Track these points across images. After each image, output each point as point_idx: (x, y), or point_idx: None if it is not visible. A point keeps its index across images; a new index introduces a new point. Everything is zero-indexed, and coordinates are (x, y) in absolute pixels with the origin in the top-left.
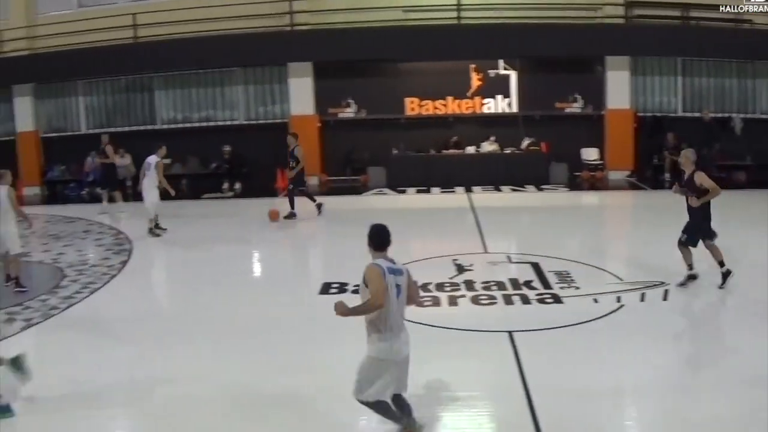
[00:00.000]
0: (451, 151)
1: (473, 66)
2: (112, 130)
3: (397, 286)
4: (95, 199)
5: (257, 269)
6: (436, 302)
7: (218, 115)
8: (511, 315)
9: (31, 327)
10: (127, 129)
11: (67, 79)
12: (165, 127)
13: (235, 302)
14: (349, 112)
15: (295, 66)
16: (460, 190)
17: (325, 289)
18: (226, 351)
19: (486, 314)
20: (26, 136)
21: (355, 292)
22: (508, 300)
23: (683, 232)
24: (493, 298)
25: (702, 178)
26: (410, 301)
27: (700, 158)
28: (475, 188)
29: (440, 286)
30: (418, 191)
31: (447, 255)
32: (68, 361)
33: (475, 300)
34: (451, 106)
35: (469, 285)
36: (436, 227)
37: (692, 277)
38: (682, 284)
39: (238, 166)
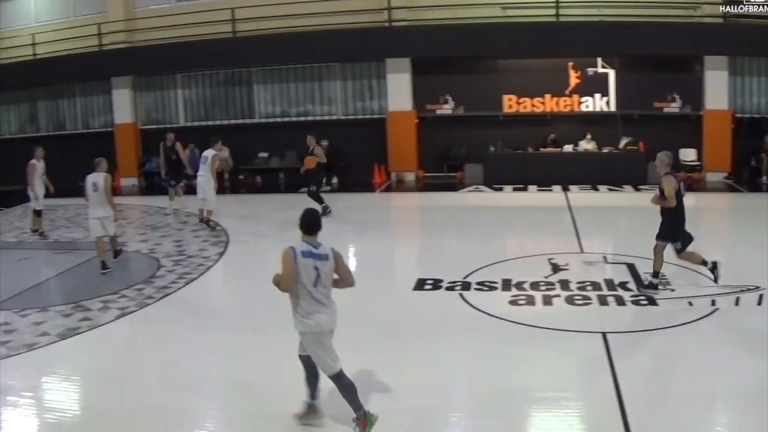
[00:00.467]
0: (549, 149)
1: (571, 64)
2: (211, 123)
3: (315, 269)
4: (193, 190)
5: (352, 264)
6: (530, 301)
7: (316, 110)
8: (606, 316)
9: (126, 316)
10: (225, 122)
11: (165, 73)
12: (263, 121)
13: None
14: (446, 109)
15: (393, 62)
16: (557, 188)
17: (420, 285)
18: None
19: (580, 315)
20: (124, 128)
21: (450, 288)
22: (602, 301)
23: (664, 239)
24: (587, 298)
25: (666, 183)
26: (342, 284)
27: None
28: (572, 187)
29: (535, 285)
30: (515, 189)
31: (543, 254)
32: (161, 350)
33: (570, 300)
34: (549, 104)
35: (564, 285)
36: (532, 226)
37: (714, 268)
38: (715, 278)
39: (335, 160)
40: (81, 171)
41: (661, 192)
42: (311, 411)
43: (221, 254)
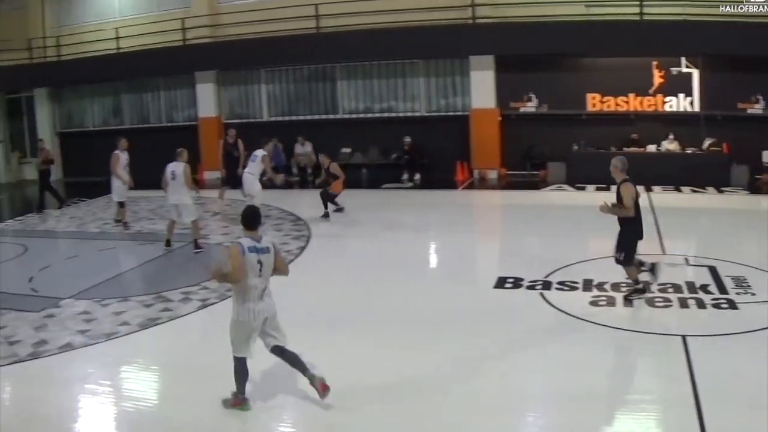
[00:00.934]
0: (632, 149)
1: (655, 63)
2: (294, 118)
3: (259, 262)
4: (273, 185)
5: (433, 260)
6: (611, 302)
7: (399, 107)
8: (686, 319)
9: (206, 307)
10: (308, 118)
11: (249, 67)
12: (346, 116)
13: (408, 292)
14: (530, 107)
15: (477, 59)
16: (639, 188)
17: (501, 283)
18: (394, 340)
19: (660, 317)
20: (208, 121)
21: (530, 287)
22: (683, 303)
23: (618, 250)
24: (668, 300)
25: (624, 191)
26: (278, 273)
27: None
28: (655, 187)
29: (616, 286)
30: (597, 188)
31: None
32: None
33: (651, 302)
34: (632, 103)
35: (645, 286)
36: (614, 226)
37: (652, 272)
38: (652, 275)
39: (418, 157)
40: (164, 164)
41: (619, 201)
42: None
43: (302, 248)
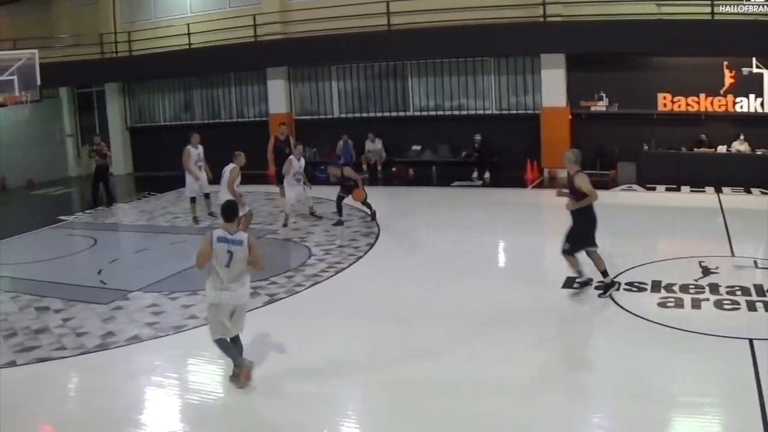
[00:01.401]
0: (703, 149)
1: (726, 63)
2: (365, 115)
3: (229, 252)
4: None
5: (502, 259)
6: (679, 303)
7: (470, 104)
8: (754, 322)
9: (275, 302)
10: (379, 115)
11: (320, 64)
12: (417, 114)
13: (477, 290)
14: (601, 106)
15: (548, 57)
16: (709, 189)
17: (569, 283)
18: (460, 338)
19: (728, 320)
20: (278, 118)
21: (598, 288)
22: (751, 306)
23: (566, 240)
24: (736, 303)
25: (581, 181)
26: (253, 266)
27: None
28: (725, 189)
29: (684, 288)
30: (667, 189)
31: (693, 256)
32: (306, 338)
33: (719, 304)
34: (703, 104)
35: (714, 288)
36: (683, 227)
37: (586, 284)
38: (577, 292)
39: (488, 155)
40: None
41: (572, 191)
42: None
43: (371, 245)
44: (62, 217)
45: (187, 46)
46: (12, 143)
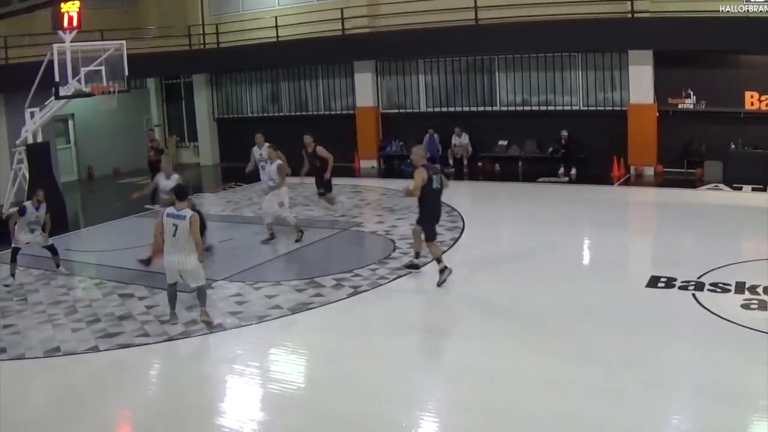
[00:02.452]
0: None
1: None
2: (451, 109)
3: (174, 225)
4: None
5: (587, 256)
6: (762, 306)
7: (557, 100)
8: None
9: (358, 294)
10: (465, 109)
11: (407, 58)
12: (503, 109)
13: (560, 287)
14: (688, 103)
15: (635, 53)
16: None
17: (653, 282)
18: (541, 334)
19: None
20: (365, 111)
21: (683, 288)
22: None
23: (417, 222)
24: None
25: (416, 175)
26: (194, 237)
27: None
28: None
29: None
30: (754, 189)
31: None
32: (389, 330)
33: None
34: None
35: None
36: None
37: (415, 266)
38: (409, 269)
39: (574, 151)
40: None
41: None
42: (174, 318)
43: (456, 239)
44: (148, 206)
45: (274, 39)
46: (99, 133)
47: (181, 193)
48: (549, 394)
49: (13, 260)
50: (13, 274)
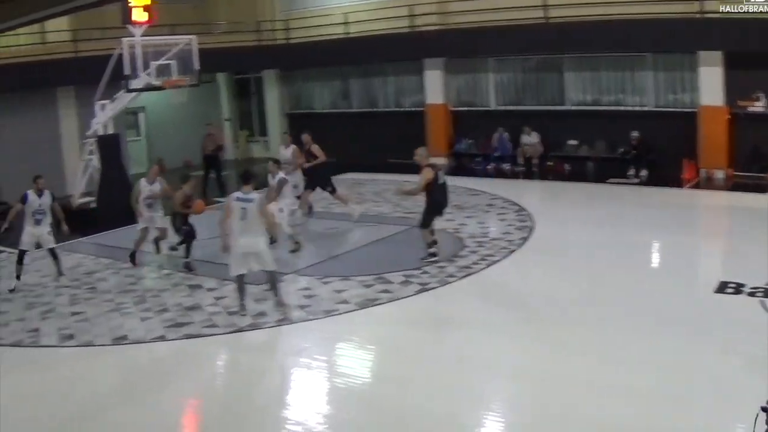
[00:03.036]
0: None
1: None
2: (521, 108)
3: (243, 209)
4: (501, 174)
5: (655, 259)
6: None
7: (627, 100)
8: None
9: (426, 291)
10: (535, 108)
11: (477, 56)
12: (573, 108)
13: (627, 290)
14: (758, 106)
15: (705, 54)
16: None
17: (722, 287)
18: (610, 340)
19: None
20: (435, 108)
21: (751, 294)
22: None
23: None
24: None
25: (423, 174)
26: (264, 218)
27: None
28: None
29: None
30: None
31: None
32: (457, 328)
33: None
34: None
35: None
36: None
37: (432, 254)
38: (426, 260)
39: (645, 152)
40: (390, 148)
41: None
42: (243, 310)
43: (525, 239)
44: (217, 199)
45: (344, 36)
46: (170, 126)
47: (247, 178)
48: (611, 398)
49: (20, 262)
50: (18, 276)
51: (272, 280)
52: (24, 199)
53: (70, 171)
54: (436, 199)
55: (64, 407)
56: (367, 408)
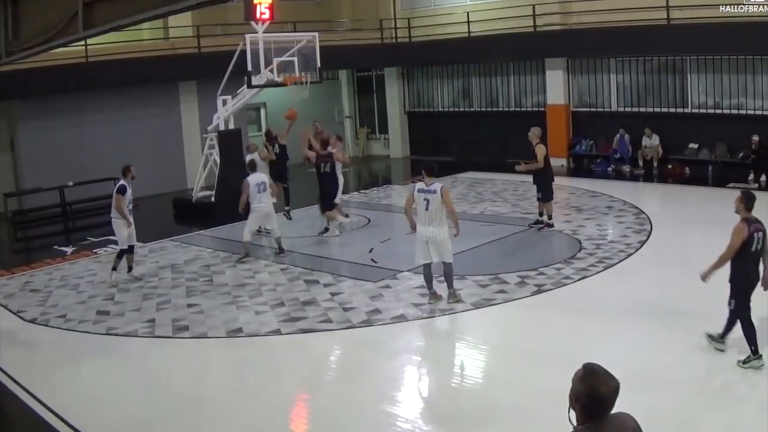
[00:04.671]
0: None
1: None
2: (642, 110)
3: (425, 200)
4: (621, 176)
5: None
6: None
7: (748, 104)
8: None
9: (541, 293)
10: (656, 110)
11: (599, 56)
12: (695, 111)
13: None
14: None
15: None
16: None
17: None
18: (700, 344)
19: None
20: (556, 109)
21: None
22: None
23: (537, 190)
24: None
25: (538, 150)
26: (447, 208)
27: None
28: None
29: None
30: None
31: None
32: (570, 331)
33: None
34: None
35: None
36: None
37: (549, 225)
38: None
39: (764, 157)
40: (510, 147)
41: (533, 158)
42: (435, 297)
43: (643, 242)
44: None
45: (466, 34)
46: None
47: (430, 170)
48: (717, 401)
49: (120, 257)
50: (115, 268)
51: (447, 272)
52: (123, 190)
53: (190, 165)
54: (551, 172)
55: (172, 397)
56: (478, 409)
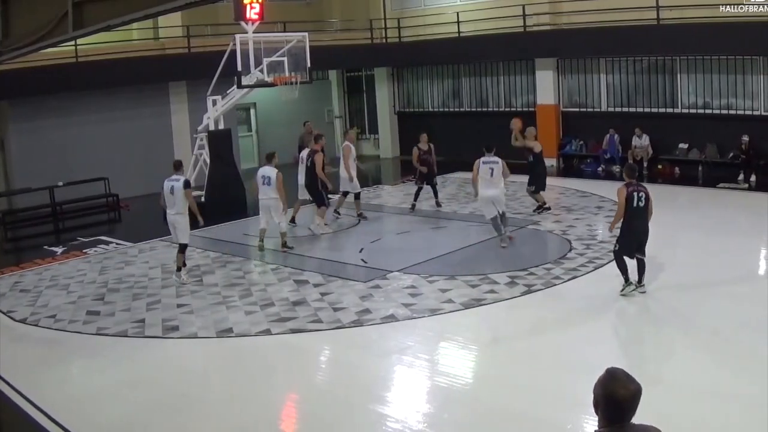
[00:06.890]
0: None
1: None
2: (632, 110)
3: (491, 168)
4: (611, 176)
5: (763, 266)
6: None
7: (738, 104)
8: None
9: (531, 293)
10: (646, 110)
11: (588, 56)
12: (684, 111)
13: (736, 298)
14: None
15: None
16: None
17: None
18: (715, 348)
19: None
20: (545, 109)
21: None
22: None
23: (528, 184)
24: None
25: (533, 144)
26: (504, 176)
27: None
28: None
29: None
30: None
31: None
32: (560, 331)
33: None
34: None
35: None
36: None
37: (546, 208)
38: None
39: (754, 157)
40: (501, 148)
41: (530, 150)
42: (504, 240)
43: None
44: (331, 196)
45: (456, 35)
46: (281, 122)
47: (491, 147)
48: (718, 407)
49: (183, 251)
50: (181, 268)
51: (504, 218)
52: (189, 184)
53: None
54: (542, 166)
55: (163, 397)
56: (469, 409)
